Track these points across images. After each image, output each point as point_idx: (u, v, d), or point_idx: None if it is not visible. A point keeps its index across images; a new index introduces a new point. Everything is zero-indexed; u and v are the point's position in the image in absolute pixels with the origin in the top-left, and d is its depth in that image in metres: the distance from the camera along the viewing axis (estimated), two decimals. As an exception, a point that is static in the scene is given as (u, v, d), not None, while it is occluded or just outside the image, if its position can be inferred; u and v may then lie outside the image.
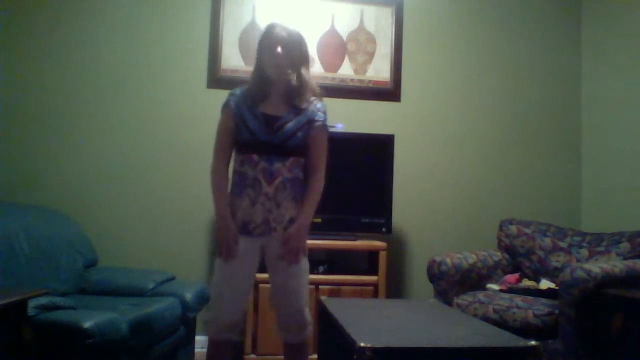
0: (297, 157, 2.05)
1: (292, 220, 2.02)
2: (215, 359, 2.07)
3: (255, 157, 1.99)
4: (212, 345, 2.08)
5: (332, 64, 3.50)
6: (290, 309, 2.04)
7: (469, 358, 1.61)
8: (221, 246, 1.98)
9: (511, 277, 3.08)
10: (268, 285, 2.17)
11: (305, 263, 2.07)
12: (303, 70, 2.06)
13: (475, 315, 2.70)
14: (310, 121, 2.05)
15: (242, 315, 2.09)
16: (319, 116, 2.07)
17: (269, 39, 2.03)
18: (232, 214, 2.01)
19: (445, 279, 2.96)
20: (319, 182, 2.07)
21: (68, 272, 2.74)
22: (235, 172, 2.05)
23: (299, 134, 2.03)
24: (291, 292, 2.03)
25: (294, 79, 2.05)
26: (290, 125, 2.02)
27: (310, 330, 2.10)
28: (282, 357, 2.27)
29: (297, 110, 2.05)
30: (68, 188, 3.21)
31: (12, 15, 3.21)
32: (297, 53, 2.04)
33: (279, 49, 2.00)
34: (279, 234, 2.01)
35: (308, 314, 2.07)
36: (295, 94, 2.05)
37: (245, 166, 2.01)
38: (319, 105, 2.09)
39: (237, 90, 2.10)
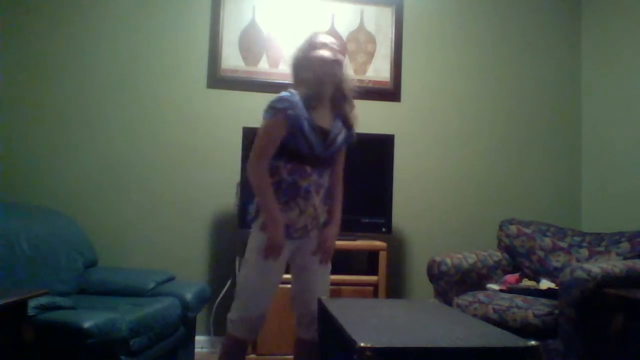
0: (334, 166, 2.14)
1: (324, 223, 2.12)
2: (234, 358, 2.07)
3: (308, 168, 2.00)
4: (236, 345, 2.05)
5: (332, 64, 3.49)
6: (315, 306, 2.08)
7: (469, 358, 1.60)
8: (272, 248, 1.97)
9: (511, 277, 3.08)
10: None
11: (330, 265, 2.19)
12: (348, 80, 2.11)
13: (475, 315, 2.70)
14: (350, 134, 2.13)
15: (256, 324, 2.08)
16: (354, 130, 2.13)
17: (319, 38, 2.05)
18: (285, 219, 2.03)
19: (445, 279, 2.96)
20: (341, 192, 2.20)
21: (68, 272, 2.74)
22: (282, 180, 2.00)
23: (341, 148, 2.12)
24: (317, 290, 2.09)
25: (342, 81, 2.07)
26: (340, 139, 2.07)
27: None
28: (282, 357, 2.29)
29: (343, 121, 2.09)
30: (68, 188, 3.21)
31: (11, 16, 3.22)
32: (344, 57, 2.09)
33: (338, 56, 2.04)
34: (312, 235, 2.09)
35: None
36: (342, 102, 2.08)
37: (295, 176, 1.99)
38: (357, 116, 2.14)
39: (292, 97, 1.99)
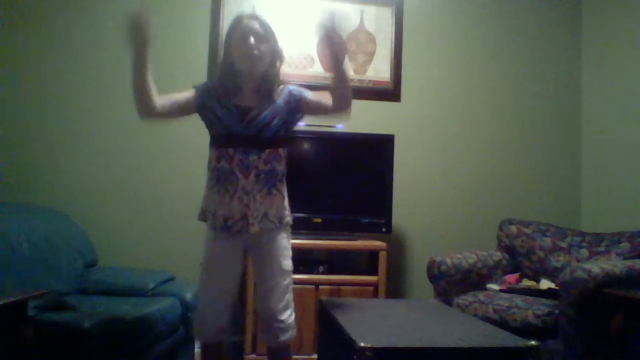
0: (273, 149, 1.99)
1: (266, 215, 1.98)
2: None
3: (230, 150, 1.95)
4: (204, 349, 2.08)
5: (332, 64, 3.49)
6: (269, 311, 1.99)
7: (469, 358, 1.61)
8: (134, 33, 1.79)
9: (511, 277, 3.08)
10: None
11: (287, 265, 2.04)
12: (277, 63, 2.00)
13: (475, 315, 2.70)
14: (290, 103, 2.02)
15: (229, 316, 2.03)
16: (296, 92, 2.04)
17: (240, 29, 1.94)
18: (213, 211, 1.99)
19: (445, 279, 2.96)
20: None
21: (68, 272, 2.74)
22: (213, 169, 2.00)
23: (275, 122, 1.98)
24: (270, 294, 1.99)
25: (266, 72, 1.98)
26: (265, 114, 1.96)
27: (291, 334, 2.03)
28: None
29: (270, 100, 1.99)
30: (68, 188, 3.21)
31: (11, 15, 3.21)
32: (269, 44, 1.97)
33: (252, 40, 1.92)
34: (257, 232, 1.96)
35: (289, 317, 2.02)
36: (267, 87, 1.99)
37: (221, 162, 1.96)
38: (290, 87, 2.05)
39: (203, 84, 2.05)
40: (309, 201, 3.18)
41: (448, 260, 2.98)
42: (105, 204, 3.24)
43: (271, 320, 1.99)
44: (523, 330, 2.54)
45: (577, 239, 3.17)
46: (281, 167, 2.03)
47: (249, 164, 1.95)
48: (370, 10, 3.56)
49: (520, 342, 1.65)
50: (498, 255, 3.25)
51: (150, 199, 3.28)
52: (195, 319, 2.01)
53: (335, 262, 3.14)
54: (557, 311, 2.54)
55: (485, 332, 1.80)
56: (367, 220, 3.19)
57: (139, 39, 1.79)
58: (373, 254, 3.10)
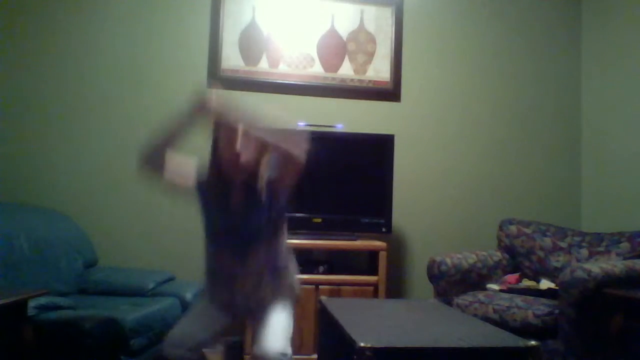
0: (273, 240, 1.93)
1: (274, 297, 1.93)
2: None
3: (228, 252, 1.89)
4: None
5: (332, 64, 3.50)
6: (261, 335, 1.85)
7: (469, 358, 1.61)
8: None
9: (511, 277, 3.08)
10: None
11: (284, 315, 1.92)
12: (263, 162, 1.86)
13: (475, 315, 2.70)
14: (270, 187, 1.88)
15: (196, 344, 1.89)
16: (269, 174, 1.88)
17: (226, 132, 1.81)
18: (211, 290, 1.98)
19: (445, 279, 2.96)
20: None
21: (68, 272, 2.74)
22: (210, 264, 1.98)
23: (262, 205, 1.86)
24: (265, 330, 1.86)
25: (254, 172, 1.86)
26: (252, 209, 1.87)
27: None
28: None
29: (253, 190, 1.87)
30: (68, 188, 3.21)
31: (11, 15, 3.22)
32: (257, 143, 1.82)
33: (239, 146, 1.77)
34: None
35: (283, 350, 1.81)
36: (254, 185, 1.87)
37: (219, 264, 1.94)
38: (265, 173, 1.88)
39: (200, 175, 1.94)
40: (309, 201, 3.18)
41: (448, 260, 2.98)
42: (105, 204, 3.24)
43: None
44: (523, 330, 2.54)
45: (577, 239, 3.17)
46: (283, 258, 1.97)
47: (247, 271, 1.89)
48: (370, 10, 3.56)
49: (520, 342, 1.65)
50: (498, 255, 3.25)
51: (150, 199, 3.27)
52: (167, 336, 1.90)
53: (335, 262, 3.14)
54: (557, 311, 2.54)
55: (485, 332, 1.80)
56: (367, 220, 3.19)
57: (199, 114, 1.79)
58: (373, 254, 3.10)
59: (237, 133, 1.77)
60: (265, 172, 1.87)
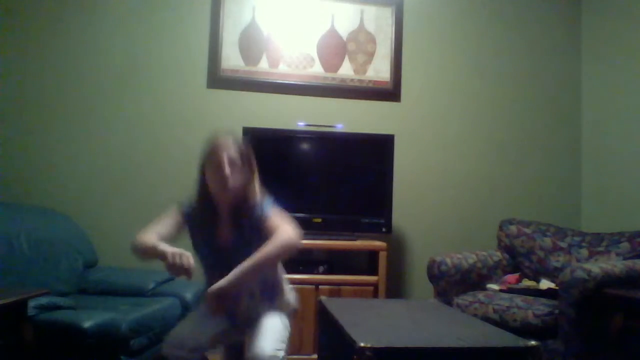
0: None
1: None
2: None
3: (217, 279, 1.80)
4: None
5: (332, 64, 3.50)
6: (254, 341, 1.81)
7: (469, 358, 1.61)
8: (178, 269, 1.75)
9: (511, 277, 3.08)
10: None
11: (278, 321, 1.91)
12: (251, 186, 1.89)
13: (475, 315, 2.70)
14: (257, 221, 1.85)
15: (197, 346, 1.87)
16: (263, 215, 1.85)
17: (215, 155, 1.83)
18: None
19: (445, 279, 2.96)
20: (272, 241, 1.77)
21: (68, 272, 2.74)
22: (205, 286, 1.92)
23: (253, 245, 1.80)
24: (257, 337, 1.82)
25: (240, 197, 1.87)
26: (241, 246, 1.85)
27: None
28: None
29: (243, 228, 1.87)
30: (68, 188, 3.21)
31: (11, 15, 3.22)
32: (245, 170, 1.86)
33: (227, 170, 1.81)
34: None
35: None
36: (242, 213, 1.87)
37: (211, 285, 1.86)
38: (261, 207, 1.87)
39: (186, 206, 1.95)
40: (309, 201, 3.19)
41: (448, 260, 2.98)
42: (105, 204, 3.24)
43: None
44: (523, 330, 2.54)
45: (577, 239, 3.17)
46: (277, 276, 1.98)
47: (239, 293, 1.88)
48: (370, 10, 3.56)
49: (520, 342, 1.65)
50: (498, 255, 3.25)
51: (150, 199, 3.27)
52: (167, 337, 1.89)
53: (335, 262, 3.14)
54: (557, 311, 2.54)
55: (485, 332, 1.80)
56: (367, 220, 3.18)
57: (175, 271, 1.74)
58: (373, 254, 3.10)
59: (225, 158, 1.81)
60: (256, 208, 1.86)
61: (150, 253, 1.82)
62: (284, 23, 3.45)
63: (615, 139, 3.48)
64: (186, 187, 3.25)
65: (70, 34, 3.27)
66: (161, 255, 1.75)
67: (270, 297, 1.97)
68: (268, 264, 1.83)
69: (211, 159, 1.85)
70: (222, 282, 1.74)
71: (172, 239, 1.88)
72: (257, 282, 1.92)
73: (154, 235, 1.87)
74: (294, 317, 2.10)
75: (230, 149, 1.85)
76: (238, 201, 1.88)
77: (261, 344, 1.78)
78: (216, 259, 1.91)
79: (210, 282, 1.84)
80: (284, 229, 1.81)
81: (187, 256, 1.71)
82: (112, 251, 3.15)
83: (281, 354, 1.81)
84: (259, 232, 1.85)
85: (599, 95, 3.64)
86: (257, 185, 1.92)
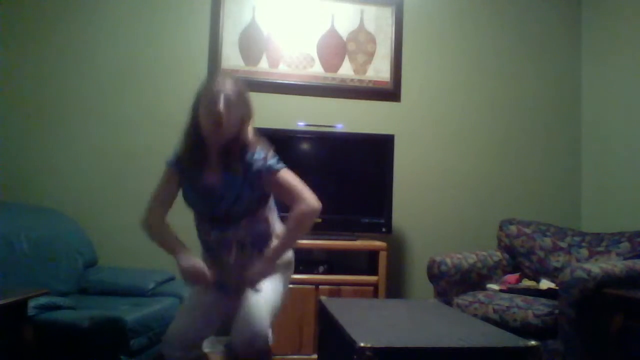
0: (251, 216, 1.87)
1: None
2: None
3: (207, 225, 1.89)
4: None
5: (332, 64, 3.50)
6: (242, 322, 1.75)
7: (469, 358, 1.61)
8: (195, 282, 1.87)
9: (511, 277, 3.08)
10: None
11: (270, 283, 1.88)
12: (244, 128, 1.84)
13: (475, 315, 2.70)
14: (254, 174, 1.82)
15: (198, 340, 1.87)
16: (258, 165, 1.82)
17: (210, 92, 1.77)
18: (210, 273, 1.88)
19: (445, 279, 2.96)
20: (295, 217, 1.83)
21: (68, 272, 2.74)
22: (197, 234, 1.96)
23: (244, 197, 1.83)
24: (248, 306, 1.78)
25: (232, 140, 1.81)
26: (229, 195, 1.83)
27: (259, 345, 1.75)
28: (282, 357, 2.27)
29: (233, 173, 1.83)
30: (68, 188, 3.21)
31: (10, 15, 3.22)
32: (239, 110, 1.80)
33: (221, 106, 1.74)
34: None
35: (261, 333, 1.74)
36: (232, 158, 1.82)
37: (200, 232, 1.95)
38: (255, 155, 1.83)
39: (174, 158, 1.94)
40: (309, 201, 3.18)
41: (448, 260, 2.98)
42: (105, 204, 3.24)
43: (246, 331, 1.74)
44: (523, 330, 2.54)
45: (577, 239, 3.17)
46: (266, 226, 1.93)
47: (228, 240, 1.88)
48: (370, 10, 3.56)
49: (520, 342, 1.65)
50: (498, 255, 3.25)
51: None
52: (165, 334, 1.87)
53: (335, 262, 3.14)
54: (557, 311, 2.54)
55: (485, 332, 1.80)
56: (367, 220, 3.19)
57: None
58: (373, 254, 3.10)
59: (221, 95, 1.75)
60: (250, 155, 1.83)
61: (166, 250, 1.92)
62: (284, 23, 3.45)
63: (615, 139, 3.48)
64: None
65: (71, 34, 3.27)
66: (177, 261, 1.86)
67: (260, 247, 1.91)
68: (298, 239, 1.89)
69: (206, 94, 1.78)
70: (259, 267, 1.82)
71: (176, 197, 1.93)
72: (248, 234, 1.89)
73: (164, 213, 1.94)
74: (290, 269, 2.03)
75: (227, 87, 1.78)
76: (230, 143, 1.81)
77: (248, 322, 1.73)
78: (204, 204, 1.87)
79: (202, 230, 1.89)
80: (297, 208, 1.82)
81: (199, 271, 1.81)
82: (112, 251, 3.15)
83: (270, 333, 1.78)
84: (253, 185, 1.82)
85: (599, 95, 3.64)
86: (251, 131, 1.86)
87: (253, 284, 1.83)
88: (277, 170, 1.85)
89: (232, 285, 1.91)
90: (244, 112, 1.83)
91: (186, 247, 1.89)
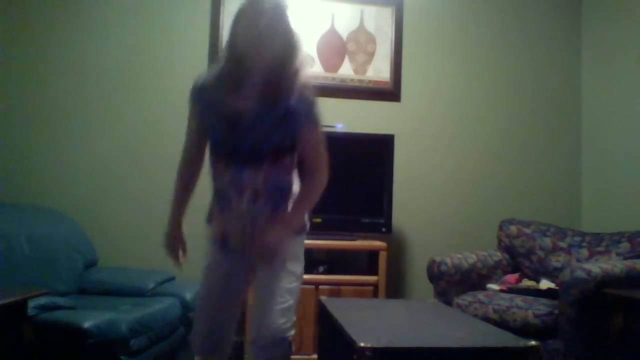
0: (274, 162, 1.67)
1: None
2: None
3: (221, 165, 1.69)
4: None
5: (332, 64, 3.50)
6: (263, 317, 1.66)
7: (469, 358, 1.61)
8: (169, 253, 1.89)
9: (511, 277, 3.08)
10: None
11: (294, 266, 1.78)
12: (294, 62, 1.62)
13: (475, 315, 2.70)
14: (294, 116, 1.62)
15: (226, 334, 1.79)
16: (303, 107, 1.64)
17: (254, 6, 1.56)
18: (213, 222, 1.82)
19: (445, 279, 2.96)
20: (313, 184, 1.72)
21: (68, 272, 2.74)
22: (211, 179, 1.78)
23: (275, 135, 1.64)
24: (271, 315, 1.66)
25: (277, 67, 1.57)
26: (259, 127, 1.62)
27: (283, 349, 1.67)
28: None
29: (274, 104, 1.60)
30: (68, 188, 3.21)
31: (10, 14, 3.22)
32: (287, 36, 1.60)
33: (266, 20, 1.54)
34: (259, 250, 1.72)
35: (286, 331, 1.67)
36: (275, 88, 1.58)
37: (216, 174, 1.74)
38: (303, 97, 1.65)
39: (199, 78, 1.72)
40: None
41: (448, 260, 2.98)
42: (105, 204, 3.24)
43: (268, 326, 1.65)
44: (523, 330, 2.54)
45: (577, 239, 3.17)
46: (287, 182, 1.74)
47: (242, 183, 1.67)
48: (370, 10, 3.56)
49: (520, 342, 1.65)
50: (498, 255, 3.25)
51: (150, 198, 3.27)
52: (192, 333, 1.81)
53: (335, 262, 3.14)
54: (557, 311, 2.54)
55: (485, 332, 1.80)
56: (367, 220, 3.18)
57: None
58: (373, 254, 3.10)
59: (263, 12, 1.55)
60: (299, 94, 1.62)
61: (171, 206, 1.94)
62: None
63: (615, 139, 3.47)
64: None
65: (71, 35, 3.27)
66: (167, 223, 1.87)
67: (275, 204, 1.72)
68: (311, 208, 1.80)
69: (248, 9, 1.57)
70: (272, 233, 1.67)
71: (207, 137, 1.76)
72: (267, 183, 1.68)
73: (199, 157, 1.84)
74: (305, 234, 1.88)
75: (275, 5, 1.60)
76: (277, 72, 1.57)
77: (270, 320, 1.64)
78: (229, 134, 1.64)
79: (217, 170, 1.71)
80: (312, 181, 1.74)
81: (175, 244, 1.89)
82: (112, 251, 3.15)
83: (292, 332, 1.69)
84: (288, 127, 1.63)
85: (599, 95, 3.64)
86: (305, 75, 1.65)
87: (271, 251, 1.68)
88: (319, 125, 1.70)
89: (239, 247, 1.75)
90: (289, 38, 1.61)
91: (182, 220, 1.91)
